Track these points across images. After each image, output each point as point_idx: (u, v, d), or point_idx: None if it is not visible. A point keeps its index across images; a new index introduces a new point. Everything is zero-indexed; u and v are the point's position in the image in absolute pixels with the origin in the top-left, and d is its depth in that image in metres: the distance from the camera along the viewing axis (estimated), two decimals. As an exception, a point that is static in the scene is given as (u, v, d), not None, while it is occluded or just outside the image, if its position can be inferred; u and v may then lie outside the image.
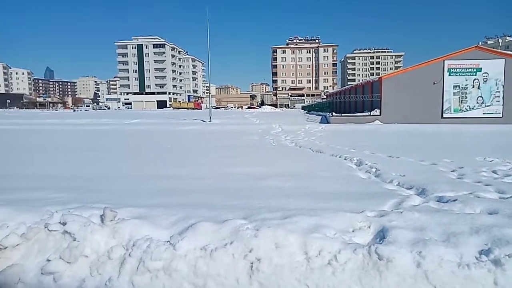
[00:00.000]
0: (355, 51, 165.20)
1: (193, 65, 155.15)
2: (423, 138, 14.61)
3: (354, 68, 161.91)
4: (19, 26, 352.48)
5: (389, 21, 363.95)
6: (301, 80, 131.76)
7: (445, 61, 23.94)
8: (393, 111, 24.05)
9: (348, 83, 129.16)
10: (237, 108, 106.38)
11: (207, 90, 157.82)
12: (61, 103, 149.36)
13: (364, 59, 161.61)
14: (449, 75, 23.92)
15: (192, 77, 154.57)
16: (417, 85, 24.21)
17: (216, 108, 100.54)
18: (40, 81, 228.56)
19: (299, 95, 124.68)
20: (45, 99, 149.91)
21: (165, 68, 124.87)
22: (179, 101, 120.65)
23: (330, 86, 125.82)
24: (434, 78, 24.00)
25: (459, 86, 24.01)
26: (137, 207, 3.74)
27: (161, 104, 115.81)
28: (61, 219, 3.04)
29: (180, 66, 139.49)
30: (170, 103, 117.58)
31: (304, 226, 3.13)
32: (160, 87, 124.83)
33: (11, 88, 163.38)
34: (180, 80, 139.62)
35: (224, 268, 2.72)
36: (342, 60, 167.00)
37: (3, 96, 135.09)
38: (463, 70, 23.84)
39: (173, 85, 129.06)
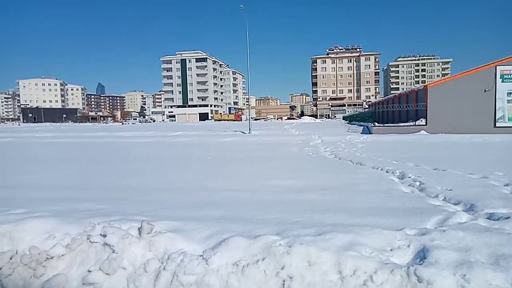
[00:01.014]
0: (398, 59, 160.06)
1: (233, 77, 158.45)
2: (473, 149, 13.73)
3: (398, 76, 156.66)
4: (76, 46, 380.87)
5: (434, 27, 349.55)
6: (342, 90, 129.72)
7: (497, 66, 22.47)
8: (440, 121, 22.88)
9: (392, 92, 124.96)
10: (277, 119, 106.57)
11: (247, 101, 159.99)
12: (111, 116, 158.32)
13: (409, 67, 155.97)
14: (502, 81, 22.38)
15: (233, 89, 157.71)
16: (466, 93, 22.89)
17: (256, 119, 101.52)
18: (92, 96, 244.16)
19: (340, 105, 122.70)
20: (97, 113, 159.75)
21: (207, 81, 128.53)
22: (220, 113, 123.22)
23: (372, 95, 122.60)
24: (485, 85, 22.57)
25: (513, 93, 22.40)
26: (173, 220, 3.83)
27: (203, 116, 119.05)
28: (102, 231, 3.19)
29: (221, 79, 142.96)
30: (212, 115, 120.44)
31: (338, 243, 3.03)
32: (202, 100, 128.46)
33: (67, 103, 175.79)
34: (221, 93, 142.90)
35: (256, 284, 2.70)
36: (385, 68, 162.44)
37: (60, 111, 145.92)
38: (518, 76, 22.24)
39: (214, 98, 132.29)
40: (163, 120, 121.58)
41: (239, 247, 2.98)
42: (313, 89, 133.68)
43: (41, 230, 3.32)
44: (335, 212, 4.59)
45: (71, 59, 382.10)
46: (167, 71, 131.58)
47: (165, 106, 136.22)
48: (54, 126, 70.61)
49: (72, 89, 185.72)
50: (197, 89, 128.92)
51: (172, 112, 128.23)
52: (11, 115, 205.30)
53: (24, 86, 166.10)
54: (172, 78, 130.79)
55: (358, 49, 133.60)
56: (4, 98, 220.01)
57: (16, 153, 16.44)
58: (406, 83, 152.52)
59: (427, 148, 14.27)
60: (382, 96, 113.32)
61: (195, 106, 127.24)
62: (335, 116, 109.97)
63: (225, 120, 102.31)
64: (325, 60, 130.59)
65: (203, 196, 5.80)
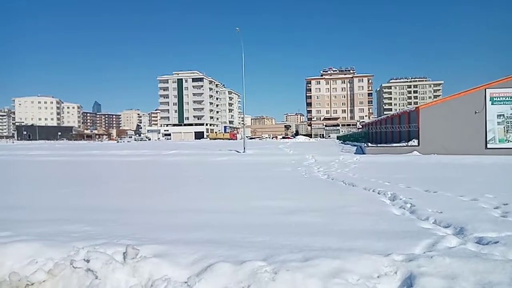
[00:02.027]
0: (391, 81, 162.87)
1: (229, 97, 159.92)
2: (464, 171, 13.82)
3: (391, 97, 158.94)
4: (72, 63, 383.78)
5: (426, 50, 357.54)
6: (336, 110, 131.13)
7: (486, 89, 22.92)
8: (432, 142, 23.10)
9: (385, 112, 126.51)
10: (272, 138, 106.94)
11: (242, 120, 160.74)
12: (106, 134, 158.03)
13: (401, 88, 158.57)
14: (492, 103, 22.78)
15: (229, 109, 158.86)
16: (457, 115, 23.23)
17: (251, 138, 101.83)
18: (88, 114, 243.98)
19: (334, 125, 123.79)
20: (92, 131, 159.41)
21: (203, 101, 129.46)
22: (215, 132, 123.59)
23: (366, 115, 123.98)
24: (475, 107, 22.96)
25: (503, 115, 22.76)
26: (160, 244, 3.78)
27: (199, 135, 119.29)
28: (85, 256, 3.13)
29: (217, 98, 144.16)
30: (207, 134, 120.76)
31: (325, 270, 3.00)
32: (198, 119, 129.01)
33: (62, 121, 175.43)
34: (217, 112, 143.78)
35: (240, 312, 2.64)
36: (378, 89, 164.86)
37: (55, 129, 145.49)
38: (507, 99, 22.67)
39: (210, 117, 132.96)
40: (159, 138, 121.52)
41: (224, 273, 2.94)
42: (308, 109, 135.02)
43: (24, 255, 3.25)
44: (325, 235, 4.56)
45: (68, 77, 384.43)
46: (164, 90, 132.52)
47: (161, 124, 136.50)
48: (48, 144, 70.13)
49: (68, 107, 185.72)
50: (193, 108, 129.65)
51: (168, 130, 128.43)
52: (5, 132, 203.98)
53: (20, 104, 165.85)
54: (168, 97, 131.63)
55: (351, 71, 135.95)
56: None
57: (7, 172, 16.25)
58: (399, 104, 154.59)
59: (419, 169, 14.34)
60: (376, 116, 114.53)
61: (191, 125, 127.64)
62: (329, 136, 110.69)
63: (220, 139, 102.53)
64: (319, 81, 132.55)
65: (193, 218, 5.74)
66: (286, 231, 4.75)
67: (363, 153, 24.62)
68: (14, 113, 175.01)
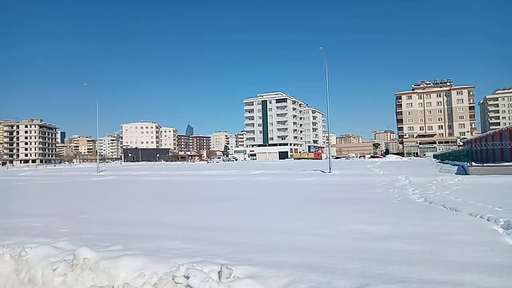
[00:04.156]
0: (497, 91, 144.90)
1: (313, 116, 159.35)
2: None
3: (498, 110, 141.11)
4: (168, 91, 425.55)
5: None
6: (431, 126, 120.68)
7: None
8: (556, 160, 19.73)
9: (491, 127, 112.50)
10: (359, 158, 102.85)
11: (327, 140, 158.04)
12: (197, 155, 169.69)
13: (510, 99, 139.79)
14: None
15: (312, 128, 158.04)
16: None
17: (336, 157, 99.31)
18: (182, 137, 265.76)
19: (429, 143, 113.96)
20: (185, 153, 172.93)
21: (286, 121, 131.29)
22: (299, 152, 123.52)
23: (468, 131, 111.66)
24: None
25: None
26: (251, 265, 3.87)
27: (283, 155, 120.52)
28: (185, 273, 3.37)
29: (300, 118, 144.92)
30: (291, 153, 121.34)
31: (428, 305, 2.73)
32: (282, 139, 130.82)
33: (160, 144, 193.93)
34: (301, 131, 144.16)
35: None
36: (481, 102, 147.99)
37: (154, 151, 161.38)
38: None
39: (294, 136, 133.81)
40: (245, 158, 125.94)
41: (316, 299, 2.87)
42: (398, 125, 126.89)
43: (134, 268, 3.63)
44: (425, 265, 4.17)
45: (165, 103, 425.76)
46: (249, 112, 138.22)
47: (247, 145, 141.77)
48: (149, 165, 77.92)
49: (165, 131, 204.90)
50: (277, 129, 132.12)
51: (253, 151, 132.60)
52: (115, 154, 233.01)
53: (126, 130, 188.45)
54: (253, 119, 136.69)
55: (448, 83, 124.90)
56: (110, 140, 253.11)
57: (119, 191, 18.44)
58: (509, 117, 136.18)
59: (539, 193, 12.29)
60: (480, 132, 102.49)
61: (275, 145, 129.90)
62: (424, 155, 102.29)
63: (304, 158, 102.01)
64: (411, 96, 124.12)
65: (282, 239, 5.77)
66: (380, 259, 4.46)
67: (466, 174, 22.09)
68: (122, 137, 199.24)
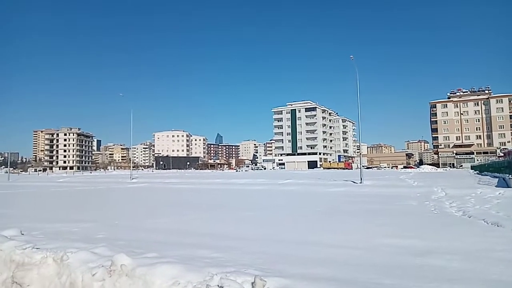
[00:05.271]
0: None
1: (343, 125, 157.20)
2: None
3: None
4: (199, 100, 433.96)
5: None
6: (469, 136, 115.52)
7: None
8: None
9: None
10: (391, 168, 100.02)
11: (357, 149, 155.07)
12: (226, 164, 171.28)
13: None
14: None
15: (342, 137, 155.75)
16: None
17: (367, 168, 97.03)
18: (212, 145, 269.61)
19: (466, 153, 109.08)
20: (215, 161, 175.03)
21: (315, 130, 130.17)
22: (329, 161, 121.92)
23: (508, 142, 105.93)
24: None
25: None
26: (284, 277, 3.84)
27: (312, 164, 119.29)
28: (219, 283, 3.39)
29: (330, 127, 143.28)
30: (321, 163, 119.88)
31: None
32: (311, 148, 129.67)
33: (191, 152, 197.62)
34: (331, 141, 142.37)
35: None
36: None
37: (184, 159, 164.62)
38: None
39: (323, 146, 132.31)
40: (273, 167, 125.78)
41: (352, 315, 2.80)
42: (433, 135, 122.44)
43: (169, 276, 3.70)
44: (467, 283, 3.98)
45: (195, 113, 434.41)
46: (278, 121, 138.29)
47: (275, 154, 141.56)
48: (180, 173, 79.49)
49: (195, 140, 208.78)
50: (306, 138, 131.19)
51: (281, 160, 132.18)
52: (147, 162, 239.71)
53: (158, 138, 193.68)
54: (282, 128, 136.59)
55: (486, 91, 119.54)
56: (143, 148, 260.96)
57: (151, 198, 18.92)
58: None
59: None
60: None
61: (304, 154, 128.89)
62: (461, 165, 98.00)
63: (334, 168, 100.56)
64: (446, 104, 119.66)
65: (313, 251, 5.69)
66: (417, 275, 4.30)
67: (508, 187, 20.91)
68: (153, 145, 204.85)
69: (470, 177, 35.99)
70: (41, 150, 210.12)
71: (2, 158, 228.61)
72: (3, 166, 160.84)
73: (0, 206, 14.42)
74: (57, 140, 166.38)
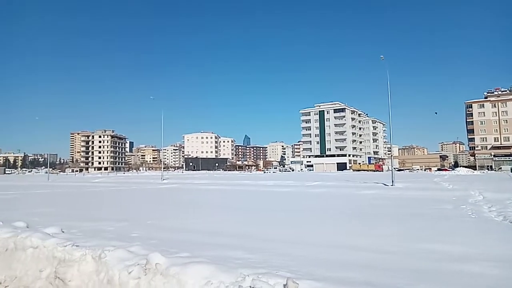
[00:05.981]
0: None
1: (373, 126, 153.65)
2: None
3: None
4: (228, 103, 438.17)
5: None
6: (508, 137, 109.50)
7: None
8: None
9: None
10: (424, 170, 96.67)
11: (388, 151, 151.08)
12: (254, 165, 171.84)
13: None
14: None
15: (373, 138, 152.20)
16: None
17: (399, 170, 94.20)
18: (239, 147, 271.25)
19: (505, 155, 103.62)
20: (243, 163, 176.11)
21: (345, 131, 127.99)
22: (359, 163, 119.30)
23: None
24: None
25: None
26: (316, 280, 3.81)
27: (341, 166, 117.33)
28: (251, 284, 3.42)
29: (360, 128, 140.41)
30: (350, 165, 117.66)
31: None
32: (340, 150, 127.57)
33: (219, 153, 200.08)
34: (360, 142, 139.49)
35: None
36: None
37: (213, 160, 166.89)
38: None
39: (352, 147, 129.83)
40: (301, 169, 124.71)
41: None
42: (469, 136, 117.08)
43: (201, 275, 3.77)
44: (510, 293, 3.79)
45: (224, 115, 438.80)
46: (306, 122, 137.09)
47: (303, 156, 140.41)
48: (209, 174, 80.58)
49: (223, 141, 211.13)
50: (335, 139, 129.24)
51: (310, 161, 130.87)
52: (177, 163, 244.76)
53: (187, 140, 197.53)
54: (310, 129, 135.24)
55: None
56: (173, 149, 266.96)
57: (181, 198, 19.31)
58: None
59: None
60: None
61: (333, 155, 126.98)
62: (500, 168, 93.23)
63: (364, 170, 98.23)
64: (483, 104, 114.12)
65: (345, 254, 5.61)
66: (456, 282, 4.14)
67: (553, 190, 19.67)
68: (183, 147, 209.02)
69: (510, 180, 34.16)
70: (78, 152, 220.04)
71: (42, 159, 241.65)
72: (43, 167, 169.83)
73: (42, 205, 15.19)
74: (93, 142, 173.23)
